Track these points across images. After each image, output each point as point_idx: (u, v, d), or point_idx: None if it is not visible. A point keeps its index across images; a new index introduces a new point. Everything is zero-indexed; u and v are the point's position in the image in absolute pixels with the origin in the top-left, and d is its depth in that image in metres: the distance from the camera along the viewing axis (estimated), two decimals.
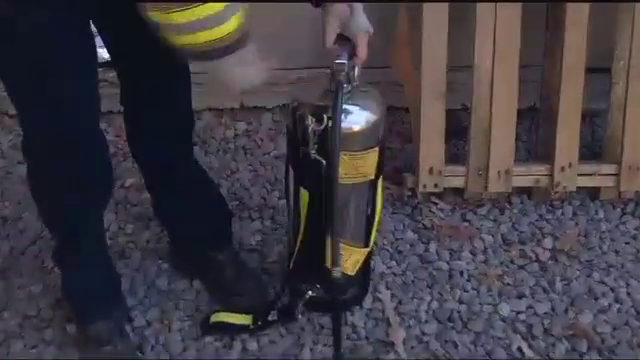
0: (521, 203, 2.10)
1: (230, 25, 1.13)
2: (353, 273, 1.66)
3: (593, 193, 2.11)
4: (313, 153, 1.40)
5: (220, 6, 1.11)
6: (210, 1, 1.10)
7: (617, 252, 1.97)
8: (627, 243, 2.00)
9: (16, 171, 2.19)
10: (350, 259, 1.64)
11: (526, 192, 2.11)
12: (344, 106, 1.40)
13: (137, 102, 1.56)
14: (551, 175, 2.06)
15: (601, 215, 2.08)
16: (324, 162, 1.40)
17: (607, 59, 2.06)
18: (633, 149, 2.06)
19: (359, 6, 1.38)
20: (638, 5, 2.00)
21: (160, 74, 1.47)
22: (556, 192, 2.08)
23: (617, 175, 2.07)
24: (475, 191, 2.07)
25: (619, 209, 2.09)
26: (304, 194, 1.52)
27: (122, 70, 1.52)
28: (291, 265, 1.65)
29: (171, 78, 1.49)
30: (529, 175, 2.07)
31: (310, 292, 1.63)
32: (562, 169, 2.05)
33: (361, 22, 1.38)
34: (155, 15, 1.11)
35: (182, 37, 1.13)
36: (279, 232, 1.97)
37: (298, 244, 1.62)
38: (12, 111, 2.20)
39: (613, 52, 2.05)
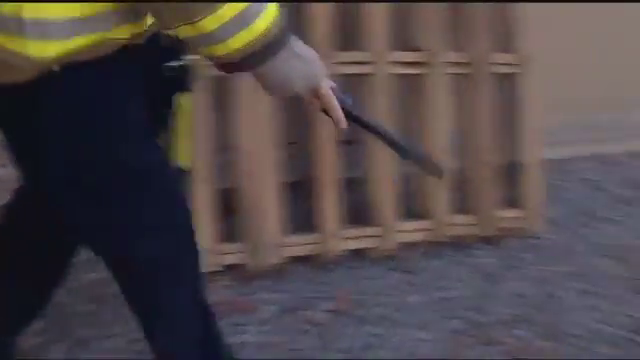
0: (297, 271, 2.23)
1: (263, 21, 1.07)
2: None
3: (360, 254, 2.31)
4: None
5: (243, 5, 1.05)
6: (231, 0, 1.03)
7: (385, 305, 2.16)
8: (391, 295, 2.20)
9: None
10: None
11: (301, 260, 2.25)
12: None
13: None
14: (321, 242, 2.22)
15: (369, 273, 2.27)
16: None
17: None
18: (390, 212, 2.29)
19: None
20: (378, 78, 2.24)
21: None
22: (327, 257, 2.24)
23: (380, 236, 2.29)
24: (253, 264, 2.17)
25: (383, 266, 2.31)
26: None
27: None
28: None
29: None
30: (302, 245, 2.22)
31: None
32: (330, 235, 2.22)
33: None
34: (184, 30, 1.05)
35: (219, 47, 1.07)
36: None
37: None
38: None
39: None
